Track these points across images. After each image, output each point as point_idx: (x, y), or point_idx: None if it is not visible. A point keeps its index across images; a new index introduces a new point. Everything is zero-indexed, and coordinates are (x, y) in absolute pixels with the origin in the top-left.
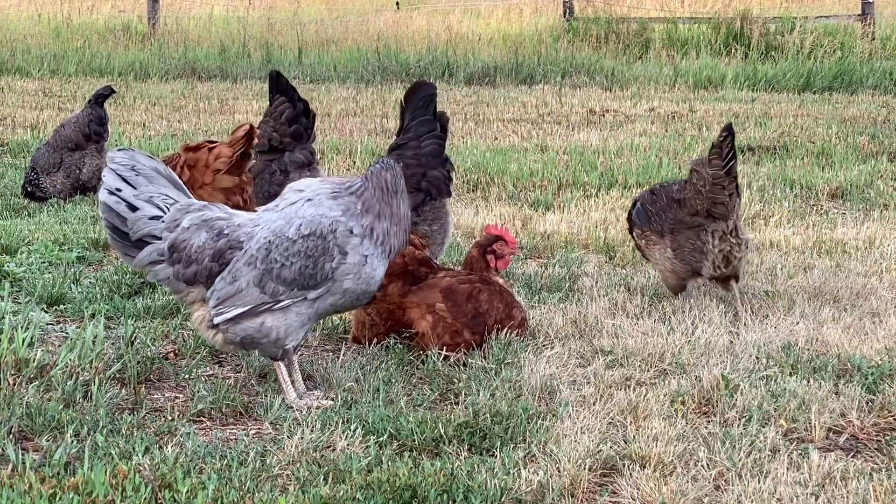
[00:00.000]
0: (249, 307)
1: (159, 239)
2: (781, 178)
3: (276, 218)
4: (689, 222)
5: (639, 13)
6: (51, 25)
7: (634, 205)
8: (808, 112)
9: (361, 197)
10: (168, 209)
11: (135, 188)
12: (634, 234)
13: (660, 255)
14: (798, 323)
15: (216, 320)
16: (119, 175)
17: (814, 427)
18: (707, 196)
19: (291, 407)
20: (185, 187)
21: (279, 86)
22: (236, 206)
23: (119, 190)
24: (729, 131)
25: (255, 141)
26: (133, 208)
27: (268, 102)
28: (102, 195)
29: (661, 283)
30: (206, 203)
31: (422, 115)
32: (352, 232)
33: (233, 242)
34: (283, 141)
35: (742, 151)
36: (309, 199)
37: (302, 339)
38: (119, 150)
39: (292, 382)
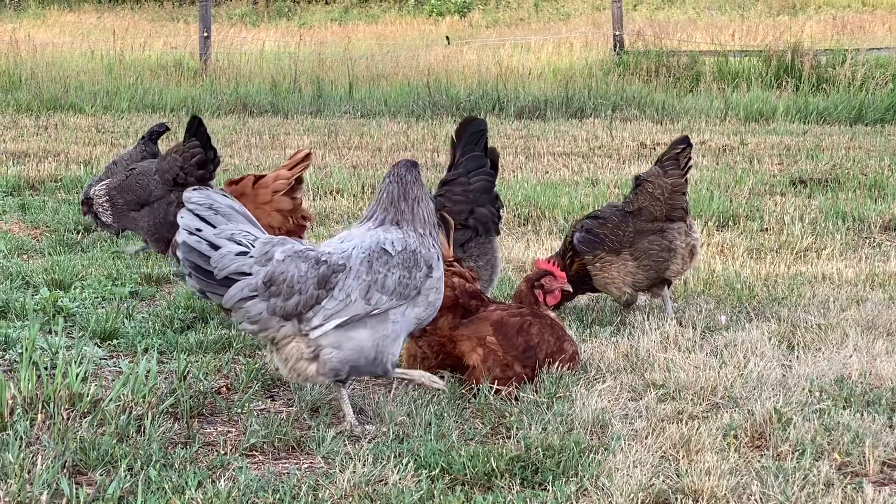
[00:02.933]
0: (351, 315)
1: (248, 275)
2: (833, 210)
3: (359, 243)
4: (651, 228)
5: (689, 46)
6: (104, 62)
7: (570, 239)
8: (859, 144)
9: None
10: (251, 245)
11: (214, 227)
12: (585, 259)
13: (618, 272)
14: (851, 356)
15: (317, 333)
16: (197, 215)
17: (868, 461)
18: (666, 202)
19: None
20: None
21: (197, 132)
22: (288, 232)
23: (199, 230)
24: (686, 143)
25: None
26: (215, 247)
27: (194, 141)
28: (182, 236)
29: (616, 300)
30: (283, 237)
31: (472, 151)
32: (431, 248)
33: (335, 267)
34: (187, 179)
35: (794, 184)
36: (380, 227)
37: (398, 354)
38: (195, 189)
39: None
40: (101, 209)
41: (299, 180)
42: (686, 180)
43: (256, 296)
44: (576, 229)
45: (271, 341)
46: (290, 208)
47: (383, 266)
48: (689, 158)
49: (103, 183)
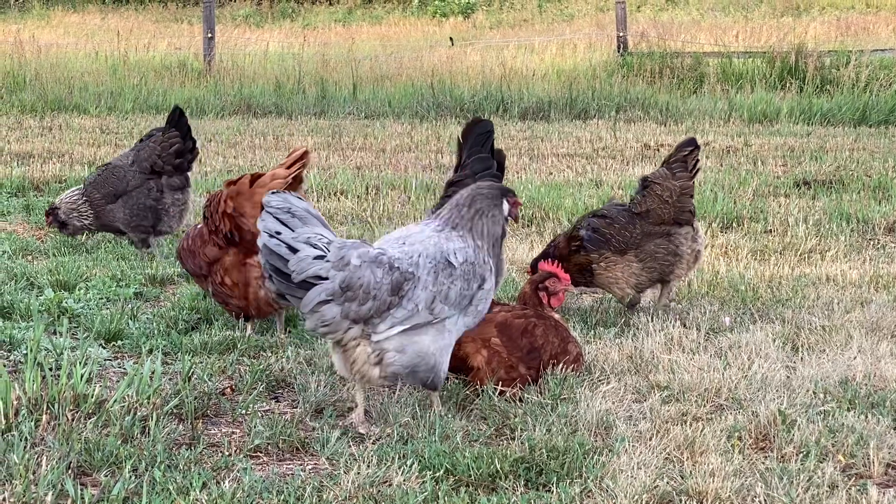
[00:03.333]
0: (415, 323)
1: (325, 279)
2: (837, 212)
3: (423, 250)
4: (658, 231)
5: (693, 48)
6: (108, 63)
7: (574, 234)
8: (864, 146)
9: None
10: (326, 248)
11: (292, 230)
12: (591, 257)
13: (622, 273)
14: (855, 358)
15: (380, 336)
16: (277, 218)
17: (872, 463)
18: (675, 205)
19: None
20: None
21: (179, 123)
22: None
23: (279, 233)
24: (693, 145)
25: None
26: (293, 250)
27: (175, 129)
28: (263, 238)
29: (619, 300)
30: (354, 240)
31: (478, 153)
32: (484, 261)
33: (406, 274)
34: (164, 167)
35: (798, 185)
36: (439, 233)
37: (446, 369)
38: (273, 193)
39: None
40: (74, 214)
41: (298, 179)
42: (693, 183)
43: (332, 300)
44: (582, 226)
45: (337, 343)
46: None
47: (447, 278)
48: (697, 161)
49: (75, 188)
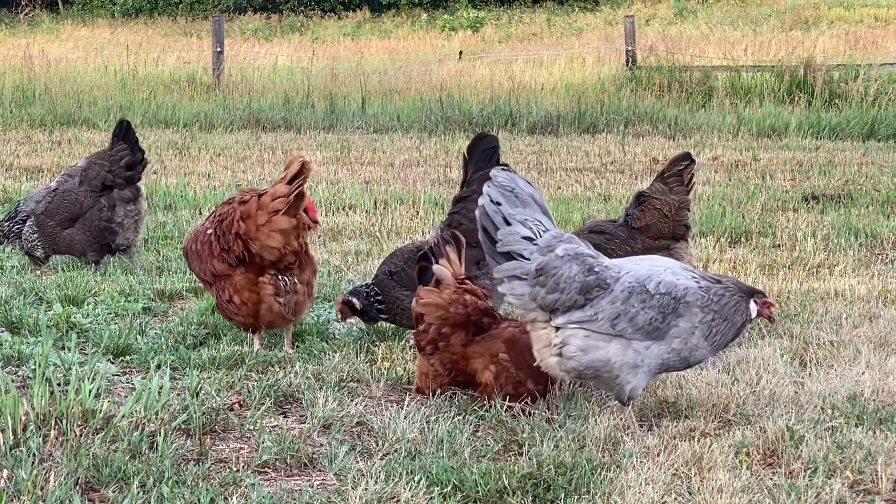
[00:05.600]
0: (592, 329)
1: (526, 259)
2: (846, 226)
3: (639, 269)
4: (658, 245)
5: (701, 62)
6: (117, 77)
7: None
8: (872, 160)
9: (717, 297)
10: (539, 234)
11: (511, 207)
12: None
13: None
14: (863, 373)
15: (561, 326)
16: (500, 192)
17: (880, 479)
18: (674, 219)
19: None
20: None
21: (126, 135)
22: (294, 252)
23: (499, 203)
24: (689, 159)
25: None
26: (507, 223)
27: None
28: (483, 200)
29: None
30: (573, 236)
31: (484, 168)
32: (689, 303)
33: (601, 282)
34: (115, 181)
35: (807, 200)
36: (670, 270)
37: (644, 386)
38: (502, 169)
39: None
40: (31, 245)
41: (300, 196)
42: (690, 197)
43: (525, 280)
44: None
45: (527, 321)
46: (290, 227)
47: (639, 302)
48: (693, 175)
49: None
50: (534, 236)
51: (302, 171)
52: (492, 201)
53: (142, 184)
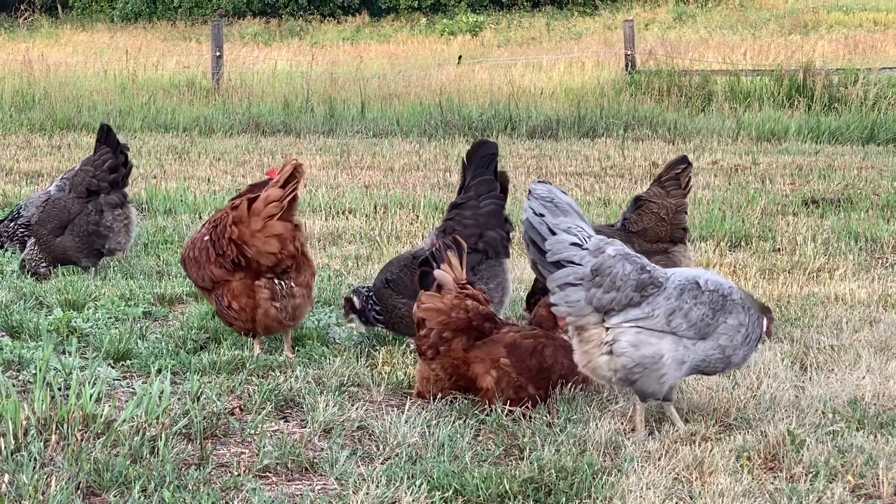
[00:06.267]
0: (649, 326)
1: (578, 264)
2: (846, 230)
3: (683, 270)
4: (656, 249)
5: (701, 66)
6: (117, 82)
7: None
8: (872, 164)
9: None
10: (585, 240)
11: (554, 217)
12: None
13: None
14: (864, 377)
15: (615, 325)
16: (542, 204)
17: (881, 483)
18: (671, 223)
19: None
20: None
21: (107, 139)
22: (291, 255)
23: (542, 215)
24: (686, 162)
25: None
26: (552, 232)
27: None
28: (527, 214)
29: None
30: (614, 239)
31: (482, 175)
32: (735, 301)
33: (654, 280)
34: (100, 186)
35: (807, 204)
36: (709, 272)
37: (678, 381)
38: (540, 183)
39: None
40: (34, 262)
41: (295, 199)
42: (687, 201)
43: (579, 284)
44: None
45: (576, 328)
46: (286, 231)
47: (692, 298)
48: (690, 178)
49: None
50: (581, 242)
51: (295, 175)
52: (535, 214)
53: (131, 189)
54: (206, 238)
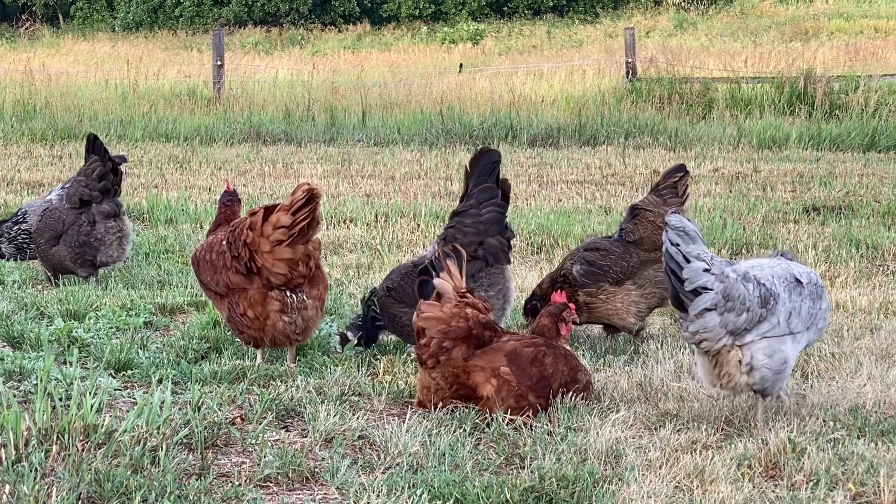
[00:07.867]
0: (775, 335)
1: (710, 290)
2: (847, 238)
3: (771, 272)
4: (653, 258)
5: (702, 73)
6: (118, 91)
7: (562, 272)
8: (873, 171)
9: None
10: (710, 264)
11: (686, 245)
12: (585, 292)
13: (622, 303)
14: (865, 385)
15: (748, 343)
16: (677, 234)
17: (883, 491)
18: None
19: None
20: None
21: (95, 147)
22: (303, 276)
23: (677, 244)
24: (683, 170)
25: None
26: (687, 260)
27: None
28: (666, 245)
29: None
30: (724, 259)
31: (484, 182)
32: (821, 285)
33: (772, 291)
34: (91, 195)
35: (807, 211)
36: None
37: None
38: (673, 214)
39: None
40: (42, 266)
41: (311, 224)
42: (684, 209)
43: (714, 309)
44: (574, 261)
45: (707, 352)
46: (296, 256)
47: (798, 296)
48: (687, 186)
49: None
50: (709, 267)
51: (310, 202)
52: (672, 244)
53: (132, 199)
54: (224, 242)
